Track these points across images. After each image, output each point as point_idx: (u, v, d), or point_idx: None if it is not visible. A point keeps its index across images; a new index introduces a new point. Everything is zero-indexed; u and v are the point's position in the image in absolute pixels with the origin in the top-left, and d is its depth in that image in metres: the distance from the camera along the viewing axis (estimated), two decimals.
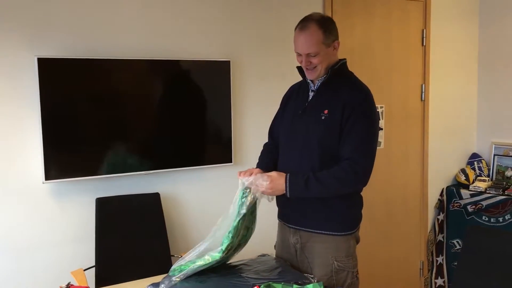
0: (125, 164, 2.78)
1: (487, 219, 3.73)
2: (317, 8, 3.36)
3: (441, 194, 4.05)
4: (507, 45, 3.95)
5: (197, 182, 3.05)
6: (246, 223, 1.97)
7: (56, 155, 2.59)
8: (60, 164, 2.62)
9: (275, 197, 2.06)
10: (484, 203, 3.74)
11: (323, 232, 2.04)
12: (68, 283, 1.99)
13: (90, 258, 2.69)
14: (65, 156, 2.62)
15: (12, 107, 2.55)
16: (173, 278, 1.86)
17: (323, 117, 2.01)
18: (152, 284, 1.89)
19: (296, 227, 2.12)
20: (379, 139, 3.71)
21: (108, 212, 2.74)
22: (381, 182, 3.73)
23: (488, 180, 3.94)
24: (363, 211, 2.15)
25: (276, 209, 2.23)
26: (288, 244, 2.17)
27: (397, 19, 3.74)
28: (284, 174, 1.97)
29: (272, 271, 1.97)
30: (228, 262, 2.07)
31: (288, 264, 2.11)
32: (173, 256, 2.86)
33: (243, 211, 1.90)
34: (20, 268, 2.62)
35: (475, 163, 4.09)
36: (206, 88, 2.99)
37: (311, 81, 2.11)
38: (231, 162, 3.07)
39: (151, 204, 2.86)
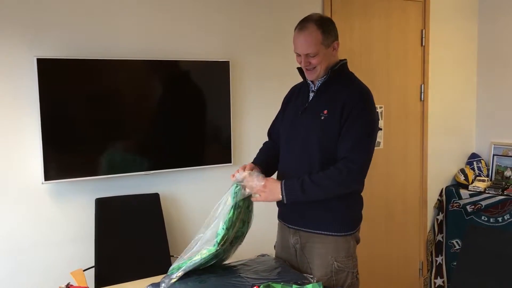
0: (125, 165, 2.78)
1: (486, 219, 3.73)
2: (317, 9, 3.37)
3: (441, 194, 4.05)
4: (506, 45, 3.95)
5: (196, 182, 3.06)
6: (243, 217, 1.96)
7: (56, 156, 2.59)
8: (60, 164, 2.62)
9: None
10: (484, 203, 3.74)
11: (322, 232, 2.04)
12: (68, 284, 1.99)
13: (89, 259, 2.69)
14: (64, 157, 2.62)
15: (12, 107, 2.55)
16: (173, 276, 1.86)
17: (322, 118, 2.01)
18: (152, 284, 1.89)
19: (295, 227, 2.12)
20: (379, 139, 3.72)
21: (108, 212, 2.74)
22: (380, 182, 3.73)
23: (487, 180, 3.94)
24: (362, 211, 2.15)
25: (276, 209, 2.23)
26: (288, 244, 2.17)
27: (396, 20, 3.74)
28: (279, 181, 1.98)
29: (271, 271, 1.97)
30: (227, 262, 2.07)
31: (288, 264, 2.11)
32: (173, 256, 2.86)
33: (236, 202, 1.90)
34: (20, 269, 2.62)
35: (474, 163, 4.09)
36: (205, 88, 2.99)
37: (311, 81, 2.11)
38: (230, 162, 3.07)
39: (150, 205, 2.86)
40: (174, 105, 2.90)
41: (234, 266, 2.03)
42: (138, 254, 2.76)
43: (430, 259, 4.05)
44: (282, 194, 1.94)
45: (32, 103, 2.55)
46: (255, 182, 1.94)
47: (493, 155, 4.05)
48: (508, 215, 3.61)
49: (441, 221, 3.99)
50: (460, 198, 3.89)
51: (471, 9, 4.12)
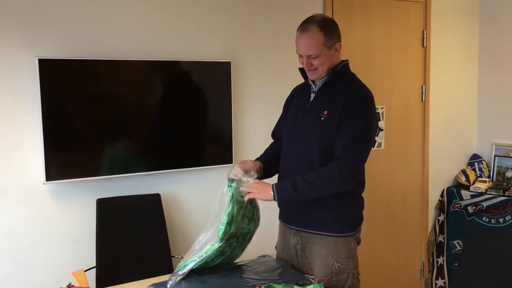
0: (126, 165, 2.79)
1: (487, 220, 3.73)
2: (318, 9, 3.36)
3: (442, 195, 4.05)
4: (508, 46, 3.95)
5: (197, 182, 3.06)
6: (246, 213, 1.95)
7: (57, 156, 2.59)
8: (61, 165, 2.62)
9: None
10: (485, 204, 3.74)
11: (323, 233, 2.04)
12: (69, 284, 1.99)
13: (90, 259, 2.69)
14: (66, 157, 2.63)
15: (13, 108, 2.55)
16: (179, 273, 1.87)
17: (322, 118, 2.01)
18: (153, 285, 1.90)
19: (296, 228, 2.12)
20: (380, 140, 3.72)
21: (109, 212, 2.74)
22: (381, 183, 3.73)
23: (489, 181, 3.93)
24: (363, 212, 2.15)
25: (277, 209, 2.23)
26: (288, 245, 2.17)
27: (397, 20, 3.74)
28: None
29: (272, 272, 1.97)
30: (235, 261, 2.07)
31: (289, 265, 2.11)
32: (174, 256, 2.86)
33: (232, 194, 1.90)
34: (21, 269, 2.63)
35: (476, 164, 4.09)
36: (206, 89, 2.99)
37: (313, 82, 2.12)
38: (231, 163, 3.07)
39: (151, 205, 2.86)
40: (175, 105, 2.91)
41: (236, 267, 2.03)
42: (139, 255, 2.76)
43: (431, 260, 4.04)
44: (273, 192, 1.94)
45: (33, 103, 2.55)
46: (246, 177, 1.96)
47: (494, 156, 4.05)
48: (509, 216, 3.60)
49: (442, 222, 3.99)
50: (461, 199, 3.89)
51: (472, 9, 4.12)
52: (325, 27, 1.99)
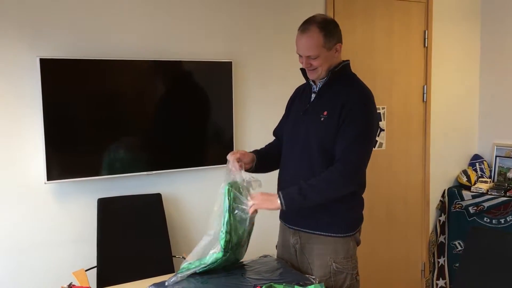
0: (127, 165, 2.79)
1: (488, 220, 3.73)
2: (319, 9, 3.36)
3: (443, 195, 4.05)
4: (509, 46, 3.94)
5: (198, 182, 3.06)
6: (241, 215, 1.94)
7: (58, 156, 2.60)
8: (62, 164, 2.62)
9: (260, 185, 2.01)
10: (486, 204, 3.73)
11: (321, 233, 2.04)
12: (70, 284, 1.99)
13: (91, 259, 2.69)
14: (67, 157, 2.63)
15: (15, 107, 2.56)
16: (179, 275, 1.88)
17: (322, 119, 2.01)
18: (154, 284, 1.90)
19: (295, 227, 2.13)
20: (381, 140, 3.72)
21: (110, 212, 2.75)
22: (382, 183, 3.73)
23: (490, 181, 3.93)
24: (364, 212, 2.14)
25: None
26: (288, 244, 2.17)
27: (399, 20, 3.74)
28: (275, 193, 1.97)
29: (273, 272, 1.97)
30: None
31: (289, 264, 2.12)
32: (175, 256, 2.86)
33: (230, 204, 1.89)
34: (22, 269, 2.63)
35: (477, 164, 4.08)
36: (208, 89, 2.99)
37: (314, 82, 2.12)
38: None
39: (152, 205, 2.86)
40: (177, 105, 2.91)
41: (236, 267, 2.03)
42: (140, 254, 2.76)
43: (432, 261, 4.04)
44: (280, 200, 1.91)
45: (34, 103, 2.55)
46: (252, 183, 1.94)
47: (496, 156, 4.04)
48: (510, 216, 3.60)
49: (443, 222, 3.99)
50: (462, 199, 3.88)
51: (474, 10, 4.12)
52: (325, 28, 1.98)
